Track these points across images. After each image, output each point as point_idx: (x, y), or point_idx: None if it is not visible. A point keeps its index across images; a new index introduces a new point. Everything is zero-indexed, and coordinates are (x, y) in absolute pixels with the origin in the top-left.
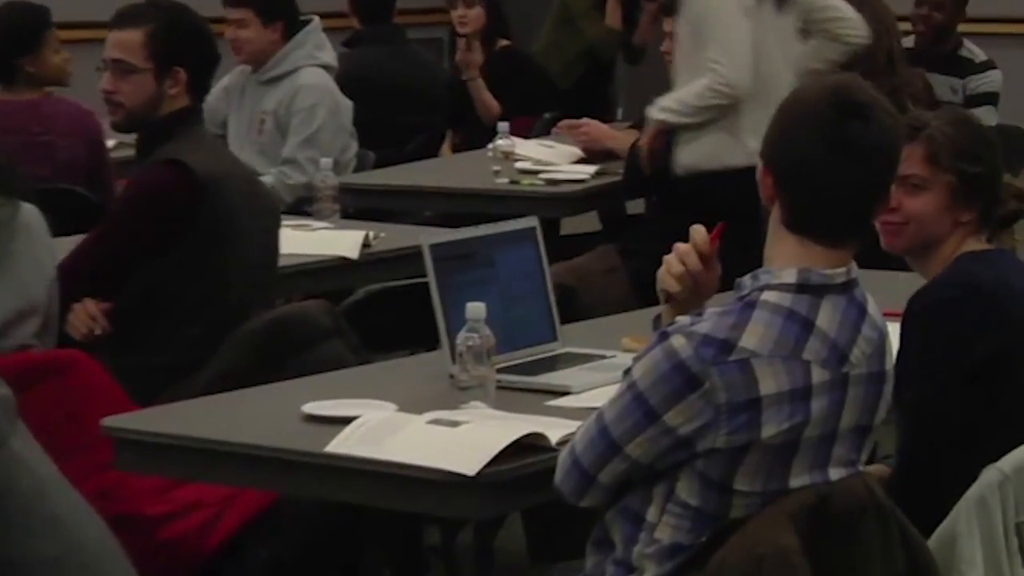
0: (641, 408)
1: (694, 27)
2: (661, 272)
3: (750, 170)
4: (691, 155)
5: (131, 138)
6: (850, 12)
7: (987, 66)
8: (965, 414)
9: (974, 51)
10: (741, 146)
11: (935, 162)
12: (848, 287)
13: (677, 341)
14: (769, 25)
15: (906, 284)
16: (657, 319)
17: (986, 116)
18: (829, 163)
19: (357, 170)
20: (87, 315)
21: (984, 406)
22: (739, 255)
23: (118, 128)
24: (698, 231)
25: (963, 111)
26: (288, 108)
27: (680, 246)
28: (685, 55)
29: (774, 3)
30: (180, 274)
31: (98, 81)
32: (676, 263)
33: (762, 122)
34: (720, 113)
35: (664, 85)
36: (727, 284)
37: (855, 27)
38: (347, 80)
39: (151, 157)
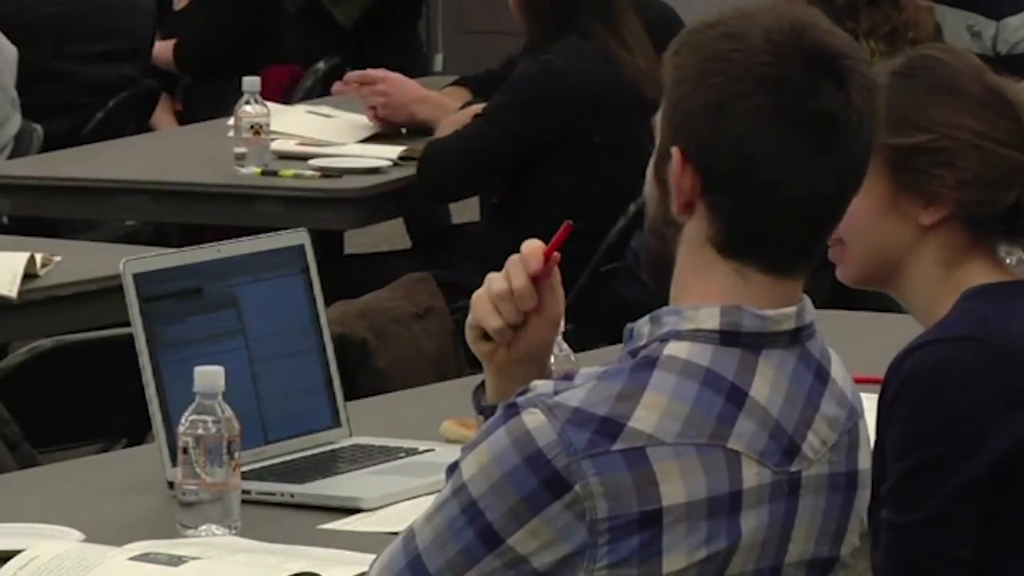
0: (474, 527)
1: None
2: (475, 299)
3: None
4: None
5: None
6: None
7: None
8: (975, 538)
9: None
10: None
11: None
12: (799, 338)
13: (532, 419)
14: None
15: (892, 332)
16: (480, 390)
17: None
18: (794, 153)
19: (17, 154)
20: None
21: (1000, 526)
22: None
23: None
24: (529, 243)
25: (940, 50)
26: None
27: (512, 260)
28: None
29: None
30: None
31: None
32: (499, 285)
33: None
34: None
35: (507, 18)
36: (614, 332)
37: None
38: None
39: None
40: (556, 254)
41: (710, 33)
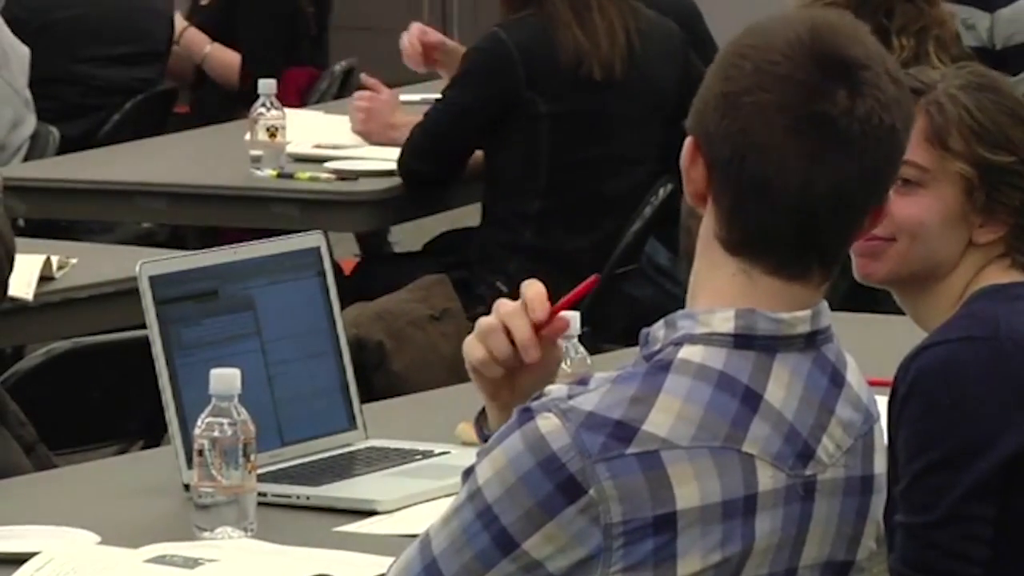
0: (489, 531)
1: None
2: (467, 341)
3: None
4: None
5: None
6: None
7: None
8: (990, 536)
9: None
10: None
11: (941, 143)
12: (814, 342)
13: (546, 423)
14: None
15: (908, 335)
16: (482, 417)
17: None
18: (786, 152)
19: (32, 156)
20: None
21: (1015, 524)
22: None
23: None
24: (531, 286)
25: (986, 71)
26: None
27: (513, 311)
28: None
29: None
30: None
31: None
32: (493, 330)
33: None
34: None
35: None
36: (629, 335)
37: None
38: (11, 15)
39: None
40: (562, 315)
41: (745, 32)
